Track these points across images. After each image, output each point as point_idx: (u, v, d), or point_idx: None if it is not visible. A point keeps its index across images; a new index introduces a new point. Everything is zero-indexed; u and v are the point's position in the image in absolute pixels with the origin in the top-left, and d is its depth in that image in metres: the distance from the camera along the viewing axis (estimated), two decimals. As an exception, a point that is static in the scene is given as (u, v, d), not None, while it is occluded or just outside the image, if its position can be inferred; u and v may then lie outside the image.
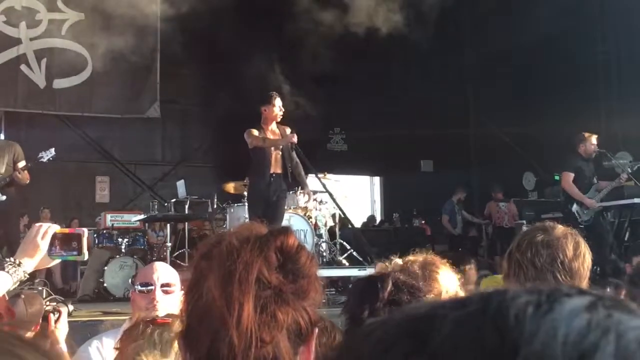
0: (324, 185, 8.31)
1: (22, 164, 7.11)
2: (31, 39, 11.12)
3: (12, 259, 1.91)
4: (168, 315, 1.94)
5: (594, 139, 8.29)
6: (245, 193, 8.31)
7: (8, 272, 1.87)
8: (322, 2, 12.43)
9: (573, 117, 11.24)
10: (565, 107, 11.84)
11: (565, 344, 0.39)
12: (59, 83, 11.34)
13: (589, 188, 8.20)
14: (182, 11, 12.89)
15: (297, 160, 7.22)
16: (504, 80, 13.80)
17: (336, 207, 8.96)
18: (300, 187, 7.88)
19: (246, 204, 8.16)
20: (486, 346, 0.40)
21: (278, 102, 7.07)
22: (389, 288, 1.46)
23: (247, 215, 8.07)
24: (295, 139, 6.95)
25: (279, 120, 7.11)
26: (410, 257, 1.83)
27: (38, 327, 2.80)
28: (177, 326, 1.75)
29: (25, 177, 7.02)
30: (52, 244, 1.93)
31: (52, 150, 7.19)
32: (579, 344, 0.40)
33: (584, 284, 1.82)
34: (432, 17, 14.77)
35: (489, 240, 12.61)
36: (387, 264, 1.76)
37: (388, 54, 13.44)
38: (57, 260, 1.99)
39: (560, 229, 1.87)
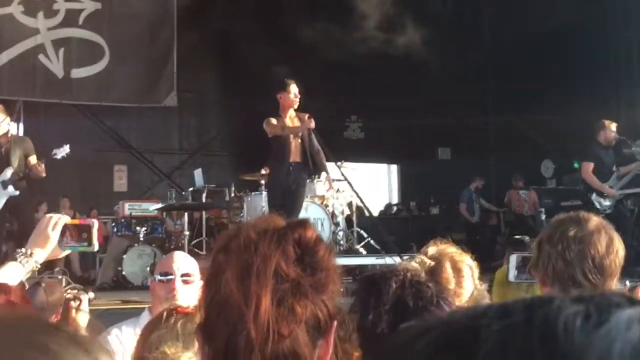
0: (342, 175, 8.30)
1: (32, 159, 7.13)
2: (49, 29, 11.17)
3: (23, 250, 1.93)
4: (177, 306, 1.93)
5: (613, 127, 8.19)
6: (262, 182, 8.32)
7: (20, 262, 1.90)
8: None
9: (593, 104, 11.11)
10: (585, 94, 11.71)
11: (622, 359, 0.37)
12: (77, 72, 11.40)
13: (609, 176, 8.11)
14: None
15: (319, 147, 7.15)
16: (523, 67, 13.66)
17: (354, 195, 8.94)
18: (318, 175, 7.86)
19: (265, 192, 8.18)
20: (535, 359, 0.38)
21: (293, 88, 6.99)
22: (391, 290, 1.41)
23: (264, 204, 8.08)
24: (312, 124, 6.87)
25: (295, 106, 7.02)
26: (433, 251, 1.81)
27: (59, 316, 2.82)
28: (199, 317, 1.75)
29: (40, 171, 7.04)
30: (62, 235, 1.95)
31: (67, 147, 7.20)
32: (637, 358, 0.37)
33: (614, 280, 1.78)
34: (450, 5, 14.69)
35: (508, 228, 12.53)
36: (415, 261, 1.75)
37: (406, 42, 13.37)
38: (68, 251, 2.02)
39: (593, 221, 1.81)
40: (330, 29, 13.66)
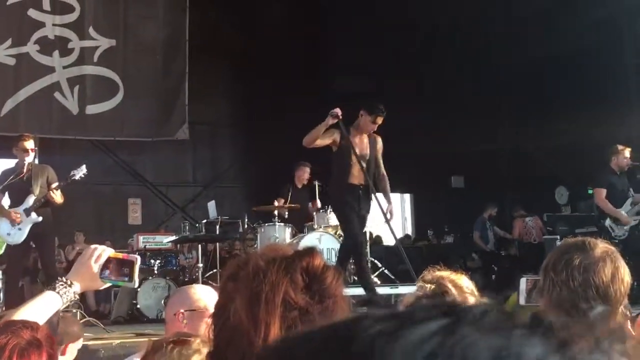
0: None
1: (55, 185, 7.23)
2: (64, 67, 11.36)
3: (64, 279, 1.91)
4: (187, 335, 1.96)
5: (627, 152, 8.15)
6: (276, 213, 8.34)
7: (58, 292, 1.87)
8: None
9: (605, 129, 11.08)
10: (597, 120, 11.68)
11: None
12: (92, 109, 11.55)
13: (623, 202, 8.05)
14: (210, 31, 13.10)
15: (384, 172, 6.84)
16: (535, 93, 13.69)
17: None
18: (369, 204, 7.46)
19: (278, 224, 8.18)
20: None
21: (379, 120, 6.67)
22: None
23: (277, 235, 8.08)
24: (338, 111, 6.47)
25: (368, 133, 6.73)
26: (430, 277, 1.82)
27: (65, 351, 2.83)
28: (197, 344, 1.78)
29: (59, 196, 7.13)
30: (104, 268, 1.93)
31: (84, 167, 7.30)
32: None
33: (620, 307, 1.76)
34: (461, 33, 14.79)
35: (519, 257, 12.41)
36: (416, 291, 1.76)
37: (419, 70, 13.47)
38: (108, 284, 1.99)
39: (599, 248, 1.79)
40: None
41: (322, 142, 6.61)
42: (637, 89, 12.82)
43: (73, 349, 2.82)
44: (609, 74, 12.47)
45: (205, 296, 2.69)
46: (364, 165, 6.58)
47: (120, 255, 1.99)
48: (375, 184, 6.68)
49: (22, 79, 11.14)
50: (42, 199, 7.07)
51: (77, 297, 1.93)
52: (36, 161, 7.89)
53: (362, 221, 6.60)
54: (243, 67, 13.70)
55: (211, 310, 2.55)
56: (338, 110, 6.44)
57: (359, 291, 7.87)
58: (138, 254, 8.23)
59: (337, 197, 6.75)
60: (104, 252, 1.94)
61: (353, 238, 6.55)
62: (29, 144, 7.16)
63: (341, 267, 6.92)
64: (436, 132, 13.65)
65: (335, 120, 6.49)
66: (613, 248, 1.83)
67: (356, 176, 6.58)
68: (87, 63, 11.54)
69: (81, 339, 2.86)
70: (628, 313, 2.17)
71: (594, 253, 1.77)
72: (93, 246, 1.97)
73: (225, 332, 1.04)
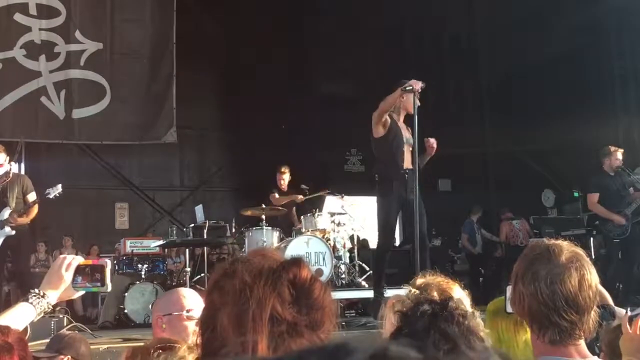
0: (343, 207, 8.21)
1: (31, 196, 7.22)
2: (50, 72, 11.30)
3: (36, 290, 1.92)
4: (172, 341, 1.97)
5: (619, 154, 8.22)
6: (263, 217, 8.33)
7: (32, 303, 1.89)
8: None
9: (591, 133, 11.16)
10: (583, 124, 11.77)
11: None
12: (78, 113, 11.49)
13: (619, 201, 8.07)
14: (196, 36, 13.09)
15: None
16: (521, 97, 13.78)
17: (356, 228, 8.93)
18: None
19: (266, 228, 8.17)
20: None
21: (415, 99, 6.28)
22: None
23: (265, 239, 8.07)
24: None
25: (411, 112, 6.39)
26: (421, 281, 1.82)
27: None
28: (183, 351, 1.79)
29: (32, 212, 7.16)
30: (76, 276, 1.94)
31: (59, 186, 7.23)
32: None
33: (591, 313, 1.78)
34: (447, 37, 14.87)
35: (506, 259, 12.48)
36: (401, 293, 1.76)
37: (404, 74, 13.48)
38: (81, 292, 1.99)
39: (565, 255, 1.78)
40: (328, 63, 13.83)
41: (385, 119, 6.33)
42: (622, 92, 12.95)
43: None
44: (595, 78, 12.58)
45: (184, 300, 2.67)
46: (410, 148, 6.41)
47: (90, 262, 2.00)
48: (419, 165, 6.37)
49: (8, 83, 11.07)
50: (20, 211, 7.07)
51: (51, 307, 1.94)
52: (22, 165, 7.85)
53: (409, 205, 6.27)
54: (230, 71, 13.70)
55: (190, 313, 2.57)
56: (415, 83, 6.11)
57: (347, 294, 7.91)
58: (125, 259, 8.25)
59: (386, 183, 6.45)
60: (73, 260, 1.95)
61: (382, 245, 6.49)
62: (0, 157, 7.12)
63: (377, 275, 6.81)
64: (422, 135, 13.66)
65: (411, 93, 6.17)
66: (579, 251, 1.82)
67: (406, 158, 6.43)
68: (74, 67, 11.48)
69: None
70: (625, 314, 2.20)
71: (559, 261, 1.76)
72: (62, 255, 1.98)
73: (213, 342, 1.04)
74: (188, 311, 2.63)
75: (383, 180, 6.51)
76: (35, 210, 7.23)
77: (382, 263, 6.70)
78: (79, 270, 1.94)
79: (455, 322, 1.31)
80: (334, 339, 0.90)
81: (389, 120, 6.45)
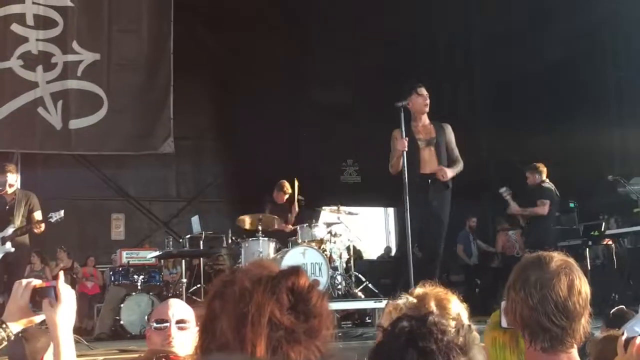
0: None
1: (38, 214, 7.34)
2: (48, 82, 11.30)
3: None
4: (169, 352, 1.97)
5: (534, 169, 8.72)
6: (260, 227, 8.34)
7: None
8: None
9: (587, 143, 11.20)
10: (578, 133, 11.82)
11: None
12: (75, 123, 11.48)
13: None
14: (194, 46, 13.13)
15: (458, 156, 6.48)
16: (516, 105, 13.82)
17: (352, 239, 8.94)
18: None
19: (262, 239, 8.17)
20: None
21: (423, 91, 6.31)
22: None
23: (261, 250, 8.08)
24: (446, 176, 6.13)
25: (426, 111, 6.36)
26: (419, 291, 1.83)
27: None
28: None
29: (38, 229, 7.33)
30: (33, 299, 1.88)
31: (62, 212, 7.39)
32: None
33: (583, 320, 1.79)
34: (443, 44, 14.94)
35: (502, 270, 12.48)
36: (399, 301, 1.77)
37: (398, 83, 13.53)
38: (43, 316, 1.93)
39: (555, 262, 1.82)
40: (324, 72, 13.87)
41: (398, 160, 6.19)
42: (618, 100, 13.00)
43: (48, 357, 2.85)
44: (590, 87, 12.62)
45: (168, 310, 2.70)
46: (433, 148, 6.28)
47: (44, 284, 1.94)
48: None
49: (5, 94, 11.06)
50: (24, 228, 7.19)
51: (12, 335, 1.88)
52: (18, 177, 7.85)
53: (432, 212, 6.19)
54: (226, 82, 13.74)
55: (161, 325, 2.60)
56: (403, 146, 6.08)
57: (344, 305, 7.90)
58: (121, 270, 8.28)
59: (403, 190, 6.20)
60: (28, 284, 1.90)
61: (398, 252, 6.43)
62: (11, 178, 7.19)
63: (393, 283, 6.71)
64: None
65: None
66: (569, 260, 1.86)
67: (427, 161, 6.29)
68: (71, 77, 11.48)
69: (51, 345, 2.88)
70: (621, 335, 2.19)
71: (550, 268, 1.80)
72: (18, 281, 1.93)
73: (212, 347, 1.06)
74: (158, 321, 2.68)
75: (404, 186, 6.25)
76: (41, 228, 7.33)
77: (399, 272, 6.63)
78: (36, 293, 1.89)
79: (434, 339, 1.31)
80: None
81: (402, 141, 6.24)
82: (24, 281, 1.92)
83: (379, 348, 1.31)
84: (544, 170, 8.68)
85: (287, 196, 9.24)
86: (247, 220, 8.80)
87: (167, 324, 2.66)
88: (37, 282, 1.92)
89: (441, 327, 1.31)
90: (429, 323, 1.30)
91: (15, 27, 11.18)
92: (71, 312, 1.91)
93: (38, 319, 1.95)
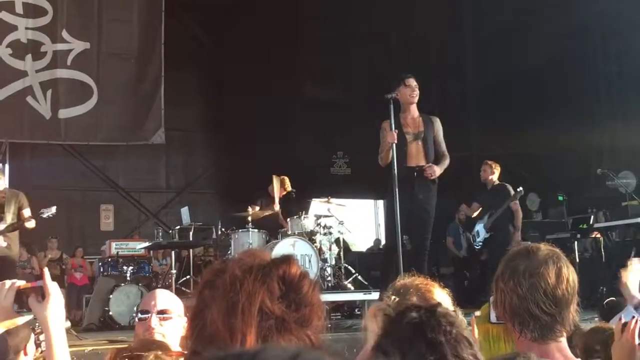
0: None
1: (27, 212, 7.36)
2: (37, 71, 11.22)
3: None
4: (157, 343, 1.96)
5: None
6: (249, 219, 8.32)
7: None
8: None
9: (576, 137, 11.24)
10: (568, 128, 11.87)
11: None
12: (65, 113, 11.41)
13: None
14: (184, 37, 13.06)
15: (445, 151, 6.47)
16: (506, 101, 13.85)
17: (342, 231, 8.94)
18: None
19: (252, 230, 8.16)
20: None
21: (411, 82, 6.31)
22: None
23: (251, 241, 8.07)
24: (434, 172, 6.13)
25: (415, 101, 6.37)
26: (400, 285, 1.83)
27: (26, 352, 2.84)
28: (152, 358, 1.78)
29: (33, 223, 7.35)
30: (18, 300, 1.85)
31: (54, 208, 7.42)
32: None
33: (571, 308, 1.81)
34: (433, 41, 14.94)
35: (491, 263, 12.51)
36: (384, 302, 1.76)
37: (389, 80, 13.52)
38: (27, 317, 1.90)
39: (542, 252, 1.84)
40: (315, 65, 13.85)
41: (388, 152, 6.16)
42: (607, 96, 13.05)
43: (30, 347, 2.85)
44: (580, 82, 12.67)
45: (152, 301, 2.70)
46: (421, 142, 6.29)
47: (29, 285, 1.89)
48: (436, 162, 6.34)
49: (-7, 83, 10.99)
50: (15, 225, 7.26)
51: None
52: (6, 166, 7.83)
53: (418, 204, 6.20)
54: (217, 73, 13.68)
55: (152, 315, 2.60)
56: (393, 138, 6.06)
57: (333, 297, 7.91)
58: (110, 260, 8.26)
59: (391, 183, 6.14)
60: (11, 286, 1.86)
61: (389, 246, 6.43)
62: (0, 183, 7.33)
63: (382, 276, 6.74)
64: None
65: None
66: (556, 250, 1.88)
67: (414, 156, 6.31)
68: (60, 66, 11.40)
69: (32, 335, 2.87)
70: (619, 321, 2.22)
71: (537, 257, 1.82)
72: (0, 283, 1.88)
73: (202, 338, 1.05)
74: (142, 312, 2.68)
75: (388, 179, 6.23)
76: (32, 224, 7.35)
77: (388, 264, 6.66)
78: (23, 294, 1.85)
79: (443, 331, 1.30)
80: (254, 347, 0.91)
81: (391, 133, 6.20)
82: (8, 282, 1.87)
83: (382, 338, 1.30)
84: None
85: (276, 191, 9.20)
86: (257, 214, 8.67)
87: (149, 315, 2.65)
88: (20, 283, 1.88)
89: (450, 319, 1.30)
90: (438, 314, 1.29)
91: (4, 15, 11.08)
92: (60, 308, 1.87)
93: (21, 320, 1.91)
